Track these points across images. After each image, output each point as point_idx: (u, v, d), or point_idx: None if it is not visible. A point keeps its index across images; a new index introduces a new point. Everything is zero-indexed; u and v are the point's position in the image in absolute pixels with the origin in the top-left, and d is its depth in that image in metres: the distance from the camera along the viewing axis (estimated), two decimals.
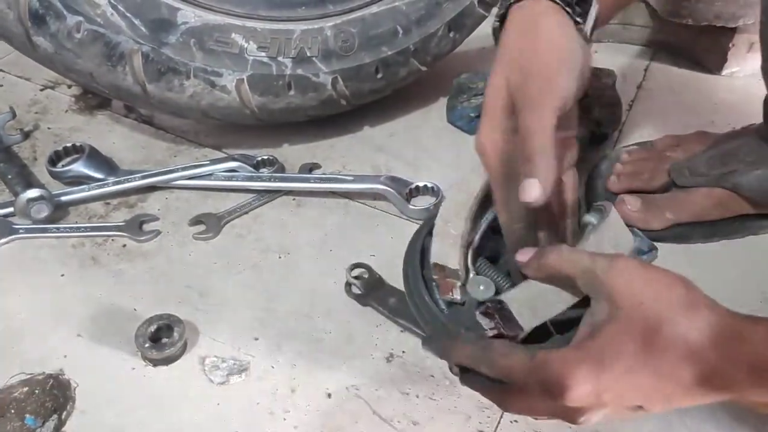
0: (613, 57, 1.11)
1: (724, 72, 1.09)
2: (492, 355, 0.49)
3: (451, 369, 0.58)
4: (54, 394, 0.64)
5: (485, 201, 0.60)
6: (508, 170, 0.57)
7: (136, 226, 0.81)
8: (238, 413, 0.64)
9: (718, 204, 0.79)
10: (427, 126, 0.99)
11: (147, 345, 0.66)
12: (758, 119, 0.80)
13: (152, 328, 0.68)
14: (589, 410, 0.46)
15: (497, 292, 0.57)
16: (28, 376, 0.65)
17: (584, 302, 0.49)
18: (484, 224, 0.60)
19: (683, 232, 0.81)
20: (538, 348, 0.49)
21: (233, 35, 0.82)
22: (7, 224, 0.80)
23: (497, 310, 0.51)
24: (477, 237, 0.60)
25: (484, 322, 0.52)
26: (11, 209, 0.81)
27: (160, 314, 0.69)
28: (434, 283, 0.58)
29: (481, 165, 0.59)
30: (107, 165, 0.88)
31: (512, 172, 0.57)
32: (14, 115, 0.94)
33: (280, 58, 0.84)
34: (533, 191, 0.53)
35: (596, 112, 0.90)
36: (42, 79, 1.03)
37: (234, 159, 0.88)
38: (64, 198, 0.83)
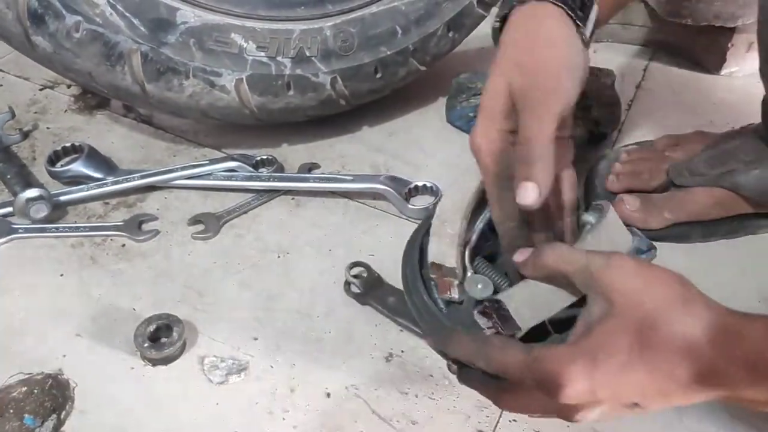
0: (612, 57, 1.11)
1: (723, 72, 1.09)
2: (489, 350, 0.50)
3: (449, 367, 0.58)
4: (53, 394, 0.64)
5: (482, 200, 0.60)
6: (502, 170, 0.57)
7: (135, 226, 0.81)
8: (237, 413, 0.64)
9: (717, 203, 0.79)
10: (426, 126, 0.99)
11: (146, 345, 0.66)
12: (757, 119, 0.80)
13: (151, 328, 0.68)
14: (585, 408, 0.46)
15: (495, 291, 0.57)
16: (27, 376, 0.65)
17: (582, 302, 0.49)
18: (481, 223, 0.60)
19: (682, 231, 0.81)
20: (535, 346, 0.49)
21: (232, 35, 0.82)
22: (6, 224, 0.80)
23: (495, 309, 0.51)
24: (474, 236, 0.60)
25: (482, 321, 0.52)
26: (10, 209, 0.81)
27: (159, 314, 0.69)
28: (433, 282, 0.58)
29: (475, 165, 0.59)
30: (106, 165, 0.88)
31: (506, 172, 0.57)
32: (13, 115, 0.94)
33: (279, 58, 0.84)
34: (530, 195, 0.53)
35: (595, 112, 0.90)
36: (41, 79, 1.03)
37: (233, 159, 0.88)
38: (63, 198, 0.83)
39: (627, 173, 0.83)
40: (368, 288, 0.73)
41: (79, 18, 0.76)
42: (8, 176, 0.85)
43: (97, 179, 0.85)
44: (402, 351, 0.70)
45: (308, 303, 0.74)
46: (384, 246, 0.79)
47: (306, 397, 0.65)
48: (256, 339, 0.70)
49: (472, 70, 1.00)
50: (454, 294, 0.58)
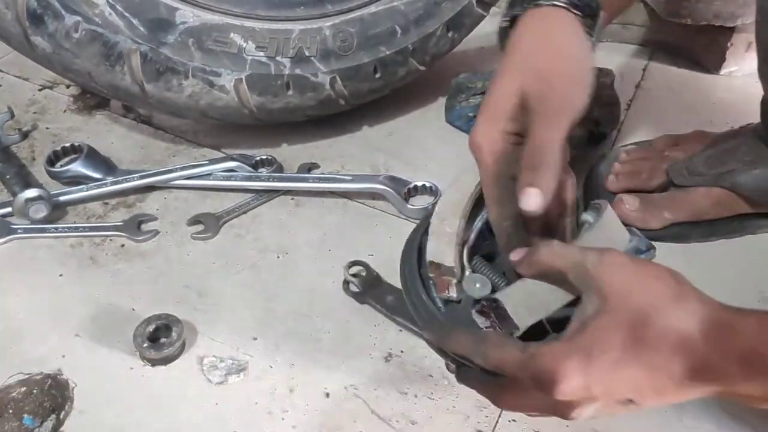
0: (612, 56, 1.11)
1: (723, 71, 1.09)
2: (486, 346, 0.50)
3: (447, 366, 0.58)
4: (52, 394, 0.64)
5: (480, 200, 0.60)
6: (502, 170, 0.57)
7: (135, 226, 0.81)
8: (237, 413, 0.64)
9: (717, 203, 0.79)
10: (425, 126, 0.99)
11: (145, 345, 0.66)
12: (756, 118, 0.80)
13: (151, 328, 0.68)
14: (580, 404, 0.46)
15: (493, 291, 0.57)
16: (27, 376, 0.65)
17: (580, 300, 0.49)
18: (479, 223, 0.60)
19: (681, 231, 0.81)
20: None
21: (232, 35, 0.82)
22: (5, 224, 0.80)
23: (492, 308, 0.51)
24: (473, 235, 0.60)
25: (480, 321, 0.52)
26: (9, 209, 0.81)
27: (158, 314, 0.69)
28: (431, 281, 0.58)
29: (476, 164, 0.59)
30: (105, 165, 0.88)
31: (506, 173, 0.57)
32: (12, 115, 0.94)
33: (278, 58, 0.84)
34: (535, 201, 0.53)
35: (595, 112, 0.90)
36: (40, 79, 1.03)
37: (232, 159, 0.88)
38: (62, 198, 0.83)
39: (626, 173, 0.83)
40: (367, 287, 0.73)
41: (79, 18, 0.76)
42: (7, 176, 0.85)
43: (97, 179, 0.85)
44: (401, 351, 0.70)
45: (307, 303, 0.74)
46: (383, 246, 0.79)
47: (305, 397, 0.65)
48: (255, 339, 0.70)
49: (472, 70, 1.00)
50: (453, 293, 0.58)
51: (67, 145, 0.88)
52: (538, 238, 0.58)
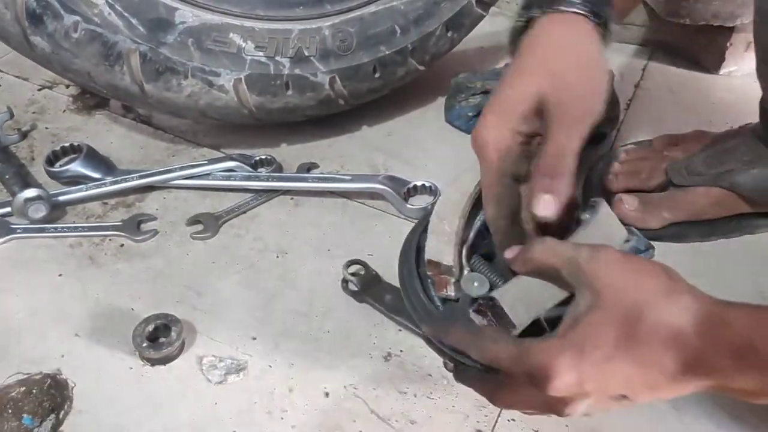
0: (611, 56, 1.09)
1: (722, 71, 1.09)
2: (481, 340, 0.50)
3: (445, 365, 0.58)
4: (51, 394, 0.64)
5: (479, 199, 0.60)
6: (505, 168, 0.57)
7: (134, 226, 0.81)
8: (236, 413, 0.64)
9: (716, 203, 0.79)
10: (425, 125, 0.99)
11: (145, 344, 0.66)
12: (756, 118, 0.80)
13: (150, 328, 0.67)
14: (574, 400, 0.46)
15: (491, 289, 0.57)
16: (26, 376, 0.65)
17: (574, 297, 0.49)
18: (478, 222, 0.60)
19: (681, 231, 0.81)
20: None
21: (231, 35, 0.82)
22: (4, 224, 0.80)
23: (490, 307, 0.52)
24: (471, 234, 0.60)
25: (478, 320, 0.52)
26: (9, 209, 0.81)
27: (157, 314, 0.69)
28: (429, 280, 0.58)
29: (476, 163, 0.59)
30: (105, 165, 0.88)
31: (509, 172, 0.57)
32: (12, 115, 0.94)
33: (278, 58, 0.84)
34: (550, 208, 0.54)
35: None
36: (40, 79, 1.03)
37: (232, 159, 0.88)
38: (61, 198, 0.83)
39: (626, 173, 0.83)
40: (366, 286, 0.73)
41: (78, 18, 0.76)
42: (7, 176, 0.85)
43: (96, 179, 0.85)
44: (401, 350, 0.70)
45: (307, 303, 0.74)
46: (382, 246, 0.79)
47: (305, 397, 0.65)
48: (254, 339, 0.70)
49: (471, 70, 1.00)
50: (451, 292, 0.58)
51: (67, 144, 0.88)
52: (534, 235, 0.58)
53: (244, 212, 0.84)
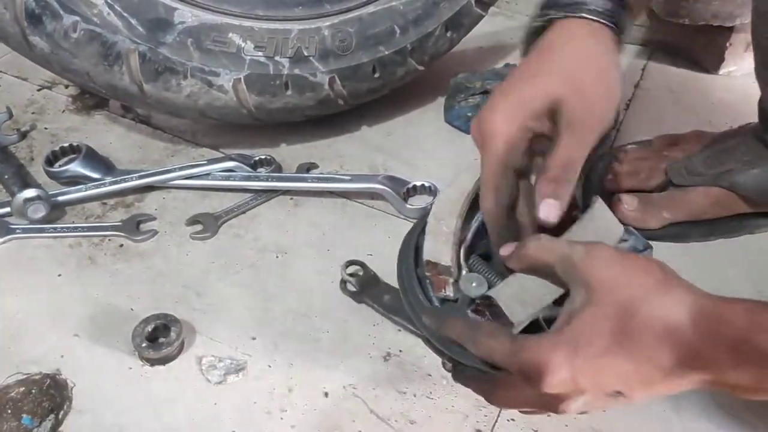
0: None
1: (722, 71, 1.09)
2: (478, 334, 0.51)
3: (443, 365, 0.59)
4: (51, 394, 0.64)
5: (478, 199, 0.60)
6: (510, 161, 0.57)
7: (133, 226, 0.81)
8: (235, 413, 0.64)
9: (716, 203, 0.79)
10: (424, 125, 0.99)
11: (144, 345, 0.66)
12: (755, 118, 0.80)
13: (149, 328, 0.67)
14: (568, 397, 0.46)
15: (490, 289, 0.57)
16: (25, 376, 0.65)
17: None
18: (476, 222, 0.60)
19: (680, 231, 0.81)
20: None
21: (230, 35, 0.82)
22: (3, 224, 0.80)
23: (487, 306, 0.52)
24: (469, 234, 0.60)
25: (476, 320, 0.52)
26: (8, 209, 0.81)
27: (157, 314, 0.69)
28: (428, 281, 0.58)
29: (474, 163, 0.59)
30: (104, 165, 0.88)
31: (512, 164, 0.57)
32: (11, 115, 0.94)
33: (277, 58, 0.84)
34: (554, 212, 0.54)
35: None
36: (39, 79, 1.03)
37: (231, 159, 0.88)
38: (61, 198, 0.83)
39: (625, 173, 0.83)
40: (364, 286, 0.73)
41: (77, 18, 0.76)
42: (6, 176, 0.85)
43: (95, 179, 0.85)
44: (400, 350, 0.70)
45: (306, 303, 0.74)
46: (382, 246, 0.79)
47: (304, 397, 0.65)
48: (254, 339, 0.70)
49: (470, 70, 1.00)
50: (449, 292, 0.58)
51: (66, 145, 0.88)
52: (530, 228, 0.59)
53: (244, 212, 0.84)
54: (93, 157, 0.87)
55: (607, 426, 0.64)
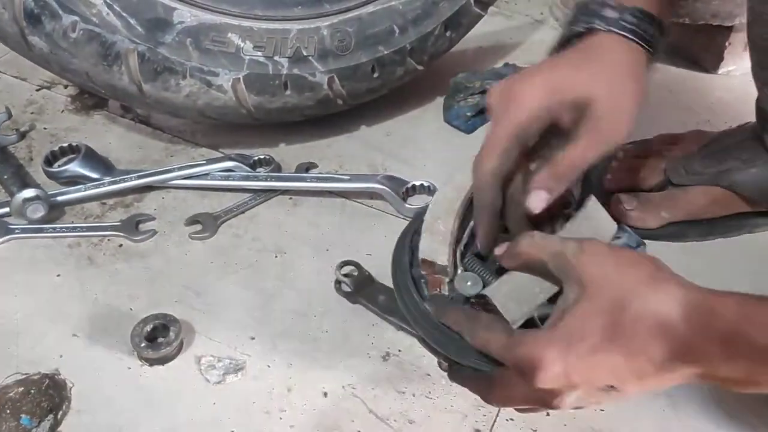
0: None
1: (721, 71, 1.09)
2: (475, 325, 0.51)
3: (440, 364, 0.59)
4: (50, 394, 0.64)
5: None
6: (524, 132, 0.56)
7: (133, 226, 0.81)
8: (235, 413, 0.64)
9: (715, 202, 0.79)
10: (423, 125, 0.99)
11: (143, 344, 0.66)
12: (754, 118, 0.80)
13: (148, 328, 0.67)
14: (562, 392, 0.46)
15: (484, 288, 0.57)
16: (24, 376, 0.65)
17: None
18: (473, 221, 0.60)
19: (679, 230, 0.81)
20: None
21: (229, 35, 0.82)
22: (2, 224, 0.80)
23: (482, 305, 0.52)
24: (466, 234, 0.60)
25: None
26: (7, 209, 0.81)
27: (156, 314, 0.69)
28: (423, 280, 0.58)
29: (471, 162, 0.59)
30: (103, 165, 0.88)
31: (524, 136, 0.57)
32: (10, 116, 0.94)
33: (276, 58, 0.84)
34: (541, 205, 0.55)
35: None
36: (38, 79, 1.03)
37: (230, 159, 0.88)
38: (60, 198, 0.83)
39: (624, 172, 0.83)
40: (359, 287, 0.73)
41: (76, 18, 0.76)
42: (5, 176, 0.85)
43: (95, 179, 0.85)
44: (399, 350, 0.70)
45: (305, 302, 0.74)
46: (381, 245, 0.79)
47: (303, 397, 0.65)
48: (253, 338, 0.70)
49: (470, 70, 1.00)
50: (444, 291, 0.58)
51: (65, 145, 0.88)
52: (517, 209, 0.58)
53: (243, 212, 0.84)
54: (92, 157, 0.87)
55: (606, 425, 0.64)
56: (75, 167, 0.85)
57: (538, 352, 0.45)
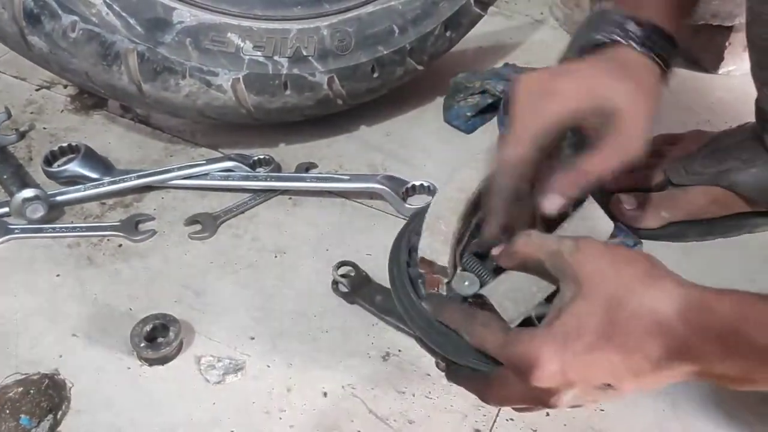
0: None
1: (721, 71, 1.09)
2: (472, 323, 0.51)
3: (437, 365, 0.58)
4: (49, 394, 0.64)
5: (479, 200, 0.59)
6: (548, 136, 0.57)
7: (132, 226, 0.81)
8: (234, 413, 0.64)
9: (715, 202, 0.79)
10: (423, 125, 0.98)
11: (142, 344, 0.66)
12: (754, 117, 0.80)
13: (148, 328, 0.67)
14: (558, 391, 0.46)
15: (482, 288, 0.57)
16: (23, 376, 0.65)
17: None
18: (474, 222, 0.60)
19: (679, 230, 0.81)
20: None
21: (229, 34, 0.82)
22: (2, 224, 0.80)
23: (479, 305, 0.52)
24: (467, 235, 0.60)
25: None
26: (6, 209, 0.80)
27: (155, 314, 0.69)
28: (420, 280, 0.58)
29: (473, 161, 0.59)
30: (103, 165, 0.87)
31: (549, 140, 0.57)
32: (10, 115, 0.94)
33: (276, 58, 0.84)
34: (556, 209, 0.55)
35: None
36: (38, 79, 1.03)
37: (230, 159, 0.88)
38: (59, 198, 0.82)
39: (624, 172, 0.83)
40: (356, 287, 0.73)
41: (75, 18, 0.76)
42: (4, 176, 0.85)
43: (94, 179, 0.85)
44: (399, 350, 0.70)
45: (305, 302, 0.74)
46: (381, 246, 0.79)
47: (303, 397, 0.65)
48: (252, 338, 0.70)
49: (470, 70, 1.00)
50: (442, 291, 0.58)
51: (65, 145, 0.88)
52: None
53: (243, 212, 0.84)
54: (92, 157, 0.87)
55: (606, 425, 0.64)
56: (74, 167, 0.85)
57: (535, 350, 0.45)
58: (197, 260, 0.78)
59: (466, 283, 0.56)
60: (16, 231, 0.79)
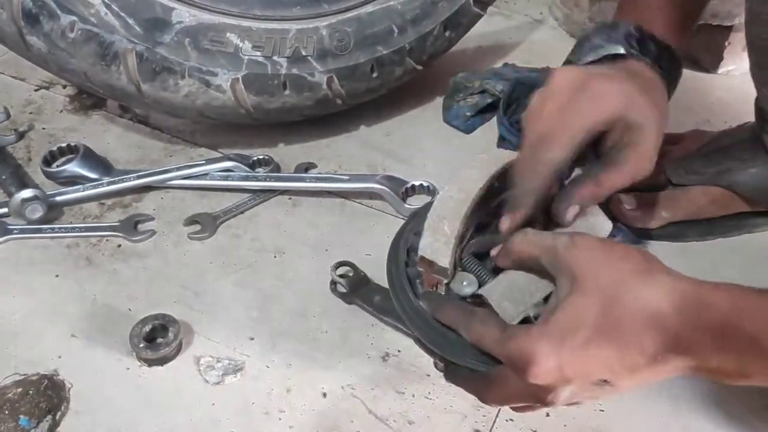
0: None
1: (720, 70, 1.09)
2: (471, 319, 0.51)
3: (435, 365, 0.59)
4: (48, 395, 0.63)
5: (482, 202, 0.59)
6: (585, 140, 0.57)
7: (131, 226, 0.81)
8: (234, 413, 0.64)
9: (714, 202, 0.79)
10: (423, 125, 0.98)
11: (142, 345, 0.66)
12: (754, 117, 0.80)
13: (147, 328, 0.67)
14: (556, 388, 0.46)
15: (480, 288, 0.57)
16: (22, 377, 0.65)
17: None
18: (474, 222, 0.60)
19: (679, 230, 0.81)
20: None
21: (228, 35, 0.82)
22: (1, 225, 0.79)
23: (478, 305, 0.52)
24: (467, 237, 0.60)
25: None
26: (5, 209, 0.80)
27: (155, 314, 0.69)
28: (418, 280, 0.58)
29: (475, 161, 0.59)
30: (102, 165, 0.87)
31: (585, 142, 0.57)
32: (9, 116, 0.94)
33: (275, 58, 0.84)
34: (572, 217, 0.56)
35: None
36: (37, 80, 1.03)
37: (229, 159, 0.87)
38: (58, 198, 0.82)
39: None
40: (354, 287, 0.73)
41: (74, 18, 0.76)
42: (3, 177, 0.85)
43: (93, 180, 0.85)
44: (398, 351, 0.69)
45: (304, 303, 0.74)
46: (380, 246, 0.79)
47: (302, 397, 0.65)
48: (252, 339, 0.70)
49: (470, 70, 1.00)
50: (441, 291, 0.58)
51: (64, 145, 0.88)
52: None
53: (242, 212, 0.84)
54: (91, 157, 0.87)
55: (606, 426, 0.64)
56: (73, 167, 0.85)
57: (531, 347, 0.45)
58: (196, 260, 0.78)
59: (465, 283, 0.56)
60: (15, 231, 0.79)
